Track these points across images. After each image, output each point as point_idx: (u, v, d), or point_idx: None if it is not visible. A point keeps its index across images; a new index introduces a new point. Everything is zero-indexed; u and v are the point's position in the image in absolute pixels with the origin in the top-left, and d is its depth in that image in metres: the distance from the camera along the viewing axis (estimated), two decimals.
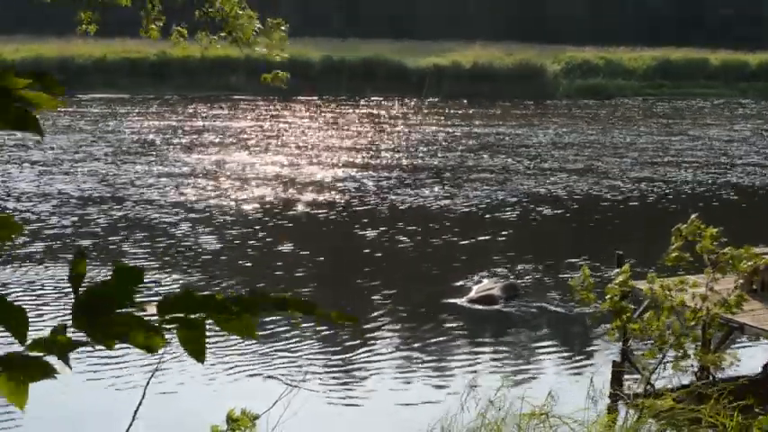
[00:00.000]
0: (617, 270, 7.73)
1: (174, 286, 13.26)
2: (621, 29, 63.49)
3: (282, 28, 7.01)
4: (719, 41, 57.88)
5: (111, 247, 15.68)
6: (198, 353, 1.52)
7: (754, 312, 9.26)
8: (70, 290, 1.44)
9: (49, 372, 1.44)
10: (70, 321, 1.47)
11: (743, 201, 21.37)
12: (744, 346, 10.96)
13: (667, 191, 22.06)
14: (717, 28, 63.15)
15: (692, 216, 7.27)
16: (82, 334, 1.48)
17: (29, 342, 1.45)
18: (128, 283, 1.48)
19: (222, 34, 6.41)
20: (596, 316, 7.65)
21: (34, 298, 12.41)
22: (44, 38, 51.75)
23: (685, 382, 9.13)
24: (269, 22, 6.93)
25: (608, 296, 7.41)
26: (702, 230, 7.10)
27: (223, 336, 10.64)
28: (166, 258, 14.83)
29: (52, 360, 1.45)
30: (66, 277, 1.45)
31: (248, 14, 6.54)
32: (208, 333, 1.50)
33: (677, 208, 19.67)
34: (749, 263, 7.38)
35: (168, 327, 1.50)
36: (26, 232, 16.16)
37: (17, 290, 12.78)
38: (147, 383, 3.76)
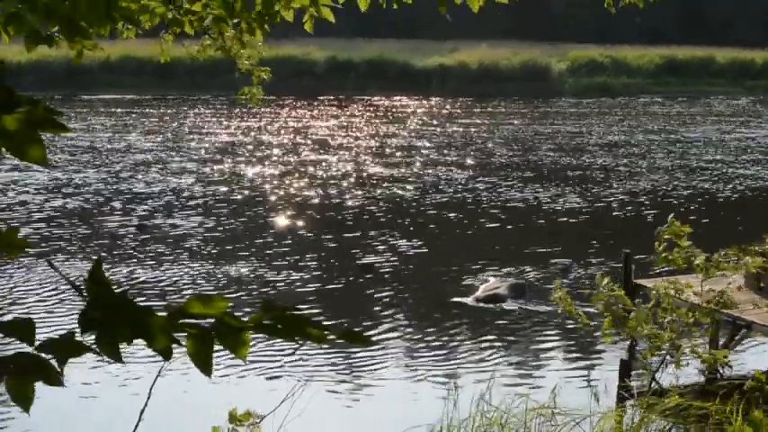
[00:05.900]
0: (599, 276, 7.81)
1: (181, 288, 13.30)
2: (625, 27, 63.31)
3: (259, 41, 6.93)
4: (724, 40, 57.73)
5: (129, 250, 15.72)
6: (205, 365, 1.53)
7: (762, 311, 9.25)
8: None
9: (54, 374, 1.44)
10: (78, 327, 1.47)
11: (757, 198, 21.34)
12: (752, 345, 10.94)
13: (681, 190, 22.01)
14: (721, 26, 62.94)
15: (670, 217, 7.31)
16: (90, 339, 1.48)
17: (37, 344, 1.45)
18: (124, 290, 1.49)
19: (208, 42, 6.34)
20: (589, 323, 7.68)
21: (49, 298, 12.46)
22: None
23: (694, 380, 9.15)
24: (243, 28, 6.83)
25: (597, 302, 7.45)
26: (681, 230, 7.16)
27: None
28: (189, 260, 14.87)
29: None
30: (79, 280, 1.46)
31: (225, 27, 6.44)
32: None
33: (690, 206, 19.63)
34: (743, 261, 7.41)
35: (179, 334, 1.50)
36: (46, 234, 16.22)
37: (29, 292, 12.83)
38: (153, 384, 3.77)
